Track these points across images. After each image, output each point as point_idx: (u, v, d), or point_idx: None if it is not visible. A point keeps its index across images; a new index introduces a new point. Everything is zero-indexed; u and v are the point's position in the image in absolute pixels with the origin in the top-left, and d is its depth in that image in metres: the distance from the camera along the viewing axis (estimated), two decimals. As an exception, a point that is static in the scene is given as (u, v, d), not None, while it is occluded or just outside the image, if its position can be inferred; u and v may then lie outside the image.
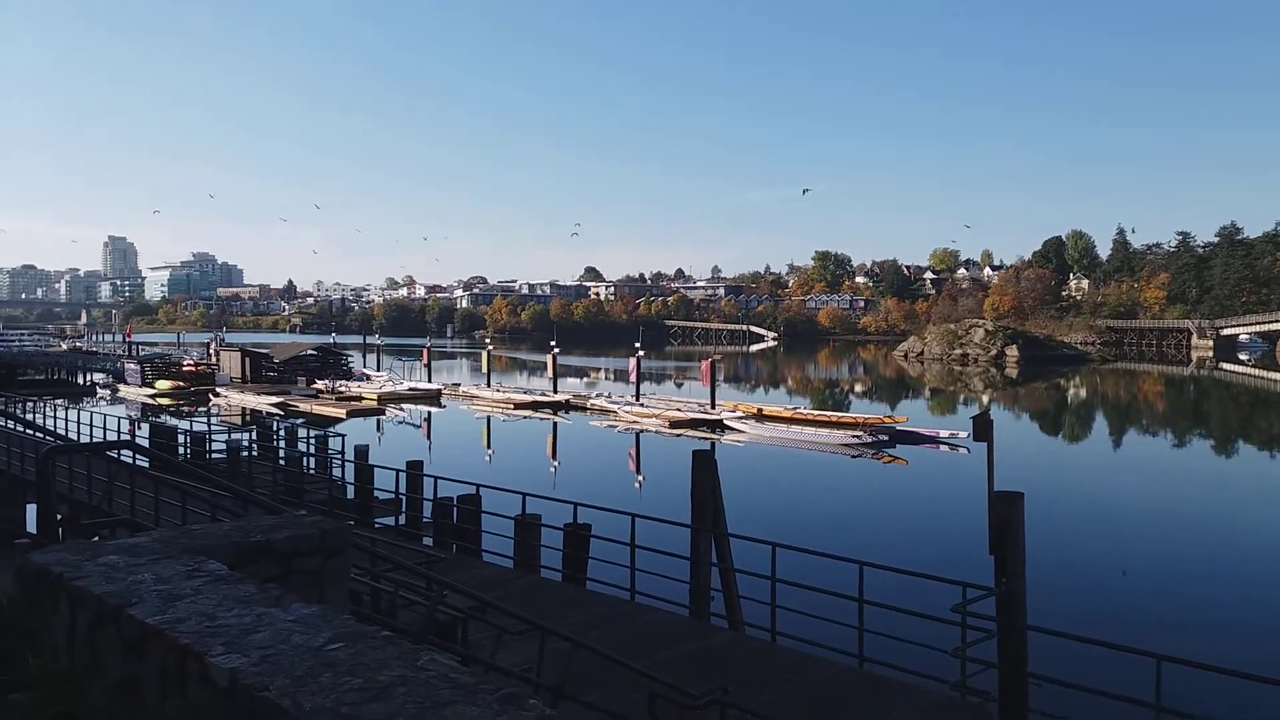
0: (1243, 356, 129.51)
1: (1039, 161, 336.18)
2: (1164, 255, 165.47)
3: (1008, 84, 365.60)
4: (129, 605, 4.17)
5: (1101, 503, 30.28)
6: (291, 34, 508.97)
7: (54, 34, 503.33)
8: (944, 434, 43.66)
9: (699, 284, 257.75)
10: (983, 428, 12.16)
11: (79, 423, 28.60)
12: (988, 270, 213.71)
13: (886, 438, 43.73)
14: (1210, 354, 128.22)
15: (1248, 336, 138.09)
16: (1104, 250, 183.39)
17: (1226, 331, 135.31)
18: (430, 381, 68.72)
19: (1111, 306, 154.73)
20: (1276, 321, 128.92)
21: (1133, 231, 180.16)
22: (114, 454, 15.78)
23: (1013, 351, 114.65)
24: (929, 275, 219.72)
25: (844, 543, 20.96)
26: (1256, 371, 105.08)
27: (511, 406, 58.39)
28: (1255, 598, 19.86)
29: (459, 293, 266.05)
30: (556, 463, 39.32)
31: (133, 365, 70.55)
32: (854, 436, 42.94)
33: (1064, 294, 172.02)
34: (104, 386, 70.91)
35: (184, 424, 33.96)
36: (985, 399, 75.01)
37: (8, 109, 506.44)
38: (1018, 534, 11.71)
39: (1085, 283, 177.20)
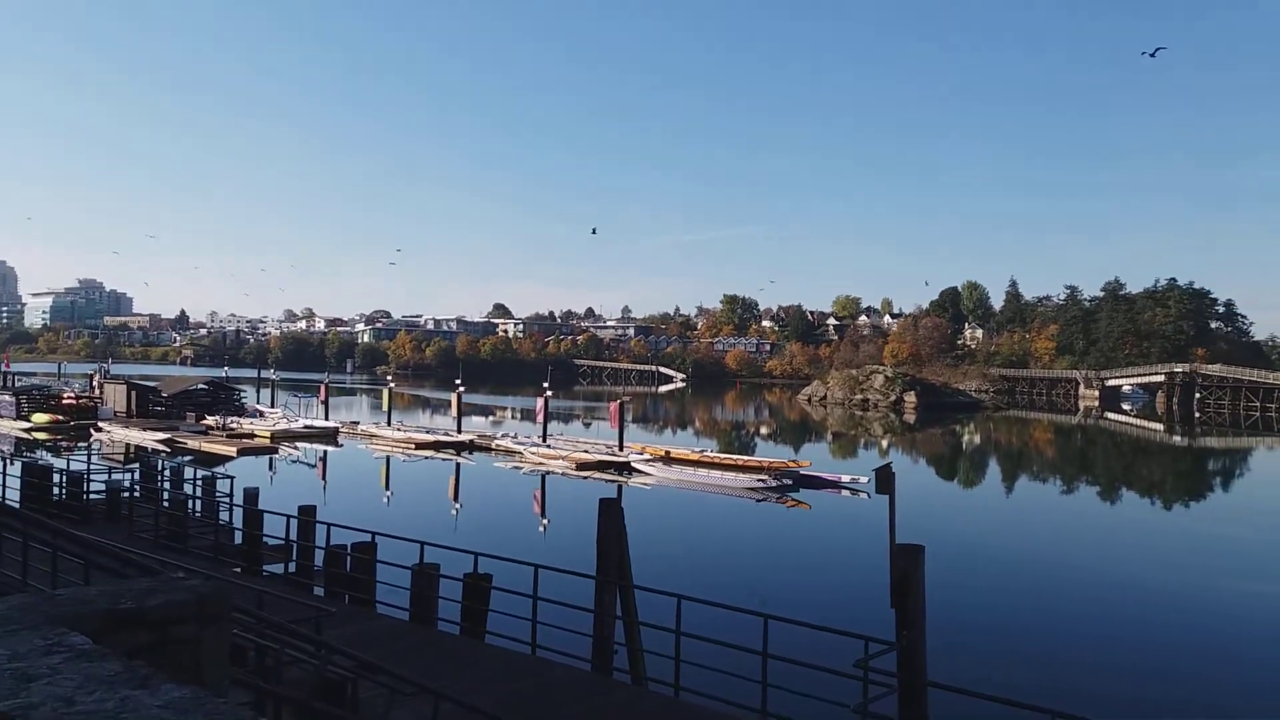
0: (1126, 406, 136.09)
1: (935, 216, 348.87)
2: (1053, 308, 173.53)
3: (905, 150, 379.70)
4: (-25, 688, 3.75)
5: (999, 553, 31.09)
6: (181, 73, 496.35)
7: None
8: (845, 479, 44.31)
9: (609, 324, 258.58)
10: (885, 480, 12.30)
11: (-58, 460, 26.79)
12: (888, 318, 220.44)
13: (790, 482, 44.23)
14: (1096, 403, 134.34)
15: (1130, 388, 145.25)
16: (997, 301, 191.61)
17: (1111, 382, 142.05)
18: (327, 419, 66.71)
19: (1004, 356, 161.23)
20: (1155, 374, 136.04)
21: (1014, 284, 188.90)
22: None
23: (911, 398, 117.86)
24: (832, 321, 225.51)
25: (748, 591, 20.96)
26: (1137, 421, 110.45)
27: (413, 446, 57.07)
28: (1147, 644, 20.57)
29: (361, 327, 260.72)
30: (458, 505, 38.49)
31: (7, 397, 66.55)
32: (759, 480, 43.26)
33: (959, 343, 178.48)
34: (-27, 419, 66.79)
35: (61, 462, 32.03)
36: (885, 443, 76.76)
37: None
38: (918, 588, 11.84)
39: (980, 332, 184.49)
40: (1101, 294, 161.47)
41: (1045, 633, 21.01)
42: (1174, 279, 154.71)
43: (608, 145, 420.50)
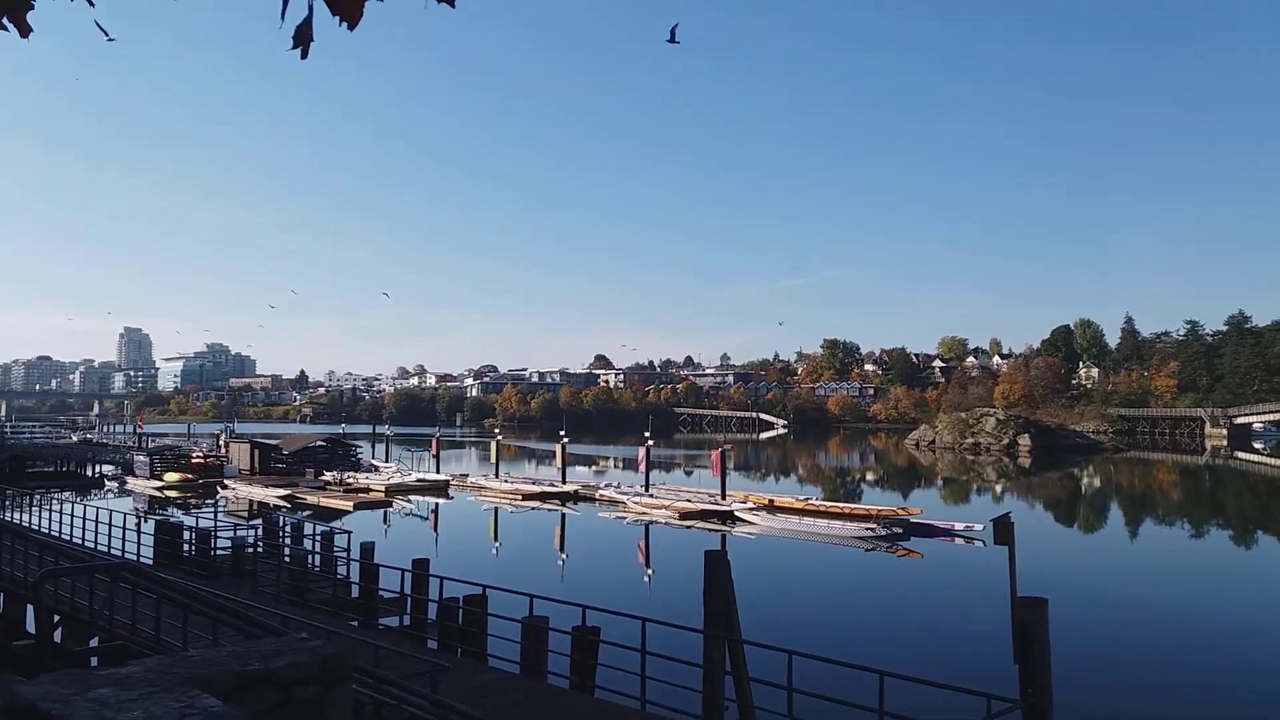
0: (1257, 445, 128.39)
1: (1043, 251, 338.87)
2: (1173, 344, 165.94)
3: (1002, 189, 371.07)
4: (116, 752, 3.93)
5: (1128, 603, 29.46)
6: (295, 127, 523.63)
7: (63, 138, 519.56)
8: (959, 526, 42.92)
9: (708, 371, 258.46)
10: (1003, 531, 11.90)
11: (84, 519, 28.30)
12: (996, 359, 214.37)
13: (900, 530, 43.05)
14: (1224, 442, 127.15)
15: (1262, 425, 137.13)
16: (1112, 339, 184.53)
17: (1240, 420, 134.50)
18: (438, 472, 68.39)
19: (1122, 395, 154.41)
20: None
21: (1129, 321, 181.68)
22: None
23: (1025, 441, 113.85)
24: (938, 363, 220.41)
25: (861, 645, 20.45)
26: (1272, 460, 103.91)
27: (520, 497, 57.87)
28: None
29: (469, 381, 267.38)
30: (565, 556, 38.74)
31: (141, 457, 70.25)
32: (867, 528, 42.26)
33: (1074, 383, 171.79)
34: (112, 479, 70.64)
35: (190, 519, 33.65)
36: (999, 489, 74.14)
37: (25, 204, 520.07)
38: (1042, 643, 11.38)
39: (1095, 371, 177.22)
40: (1225, 328, 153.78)
41: (1180, 690, 19.78)
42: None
43: (698, 190, 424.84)
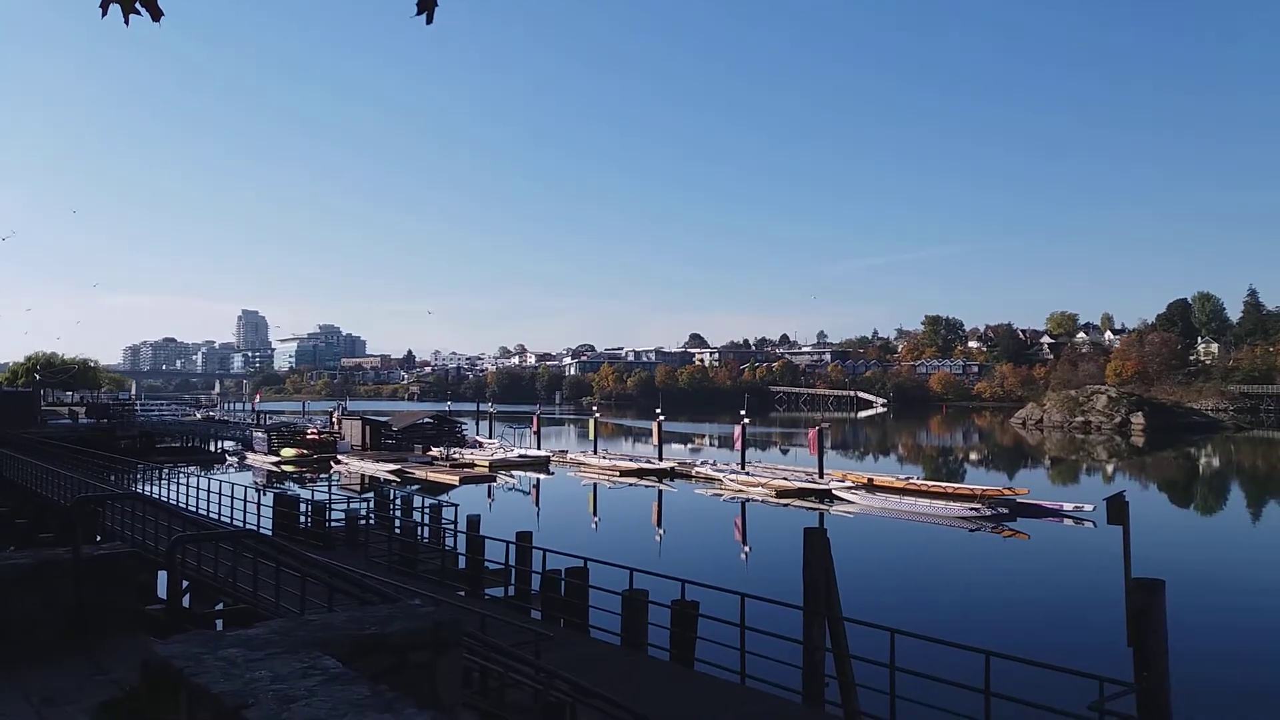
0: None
1: (1160, 221, 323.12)
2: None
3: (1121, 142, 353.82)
4: (246, 706, 4.15)
5: (1250, 588, 28.13)
6: (400, 109, 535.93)
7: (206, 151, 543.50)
8: (1068, 506, 41.65)
9: (804, 349, 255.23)
10: (1117, 510, 11.50)
11: (208, 491, 29.77)
12: (1108, 334, 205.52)
13: (1006, 510, 41.96)
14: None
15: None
16: (1234, 313, 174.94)
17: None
18: (539, 448, 69.63)
19: (1245, 371, 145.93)
20: None
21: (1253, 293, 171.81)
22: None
23: (1138, 419, 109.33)
24: (1046, 339, 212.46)
25: (965, 626, 20.07)
26: None
27: (617, 474, 58.51)
28: None
29: (567, 360, 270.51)
30: (662, 531, 39.03)
31: (260, 434, 73.42)
32: (971, 509, 41.32)
33: (1191, 359, 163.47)
34: (233, 454, 74.06)
35: (305, 493, 35.07)
36: (1111, 469, 71.43)
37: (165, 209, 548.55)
38: (1159, 625, 11.00)
39: (1215, 347, 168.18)
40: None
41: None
42: None
43: (797, 170, 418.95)
